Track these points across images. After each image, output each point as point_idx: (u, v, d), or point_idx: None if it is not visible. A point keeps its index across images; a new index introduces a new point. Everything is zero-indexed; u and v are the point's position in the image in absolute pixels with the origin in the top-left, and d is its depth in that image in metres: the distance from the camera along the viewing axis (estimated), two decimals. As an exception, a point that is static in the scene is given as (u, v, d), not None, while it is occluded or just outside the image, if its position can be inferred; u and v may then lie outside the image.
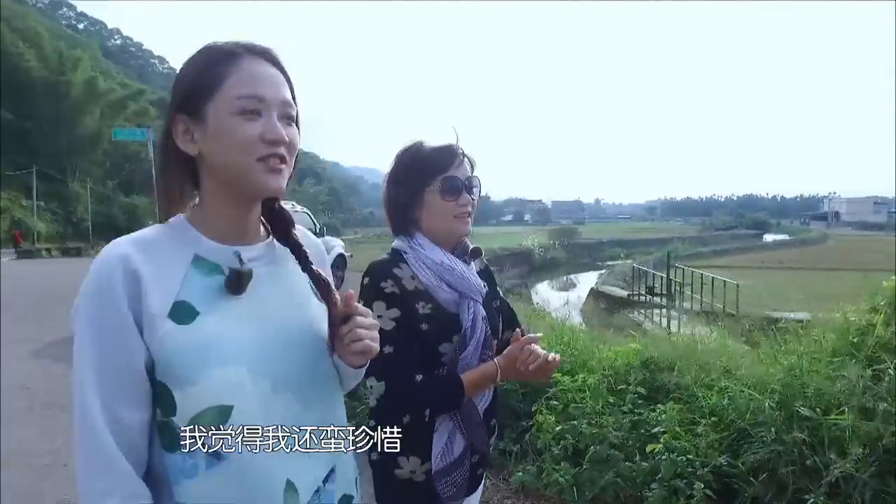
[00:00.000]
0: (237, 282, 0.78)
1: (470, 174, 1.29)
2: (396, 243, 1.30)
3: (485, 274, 1.38)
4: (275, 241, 0.88)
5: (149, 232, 0.80)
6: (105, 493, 0.70)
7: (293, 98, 0.82)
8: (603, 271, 29.95)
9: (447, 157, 1.25)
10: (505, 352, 1.23)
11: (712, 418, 2.57)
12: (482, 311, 1.27)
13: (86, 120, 32.79)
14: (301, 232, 0.91)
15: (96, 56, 43.58)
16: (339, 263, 9.73)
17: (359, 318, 0.81)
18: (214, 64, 0.77)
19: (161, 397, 0.74)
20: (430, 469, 1.21)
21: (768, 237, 67.44)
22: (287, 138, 0.79)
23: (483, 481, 1.37)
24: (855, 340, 2.81)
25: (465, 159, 1.29)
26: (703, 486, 2.24)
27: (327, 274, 0.89)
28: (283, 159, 0.79)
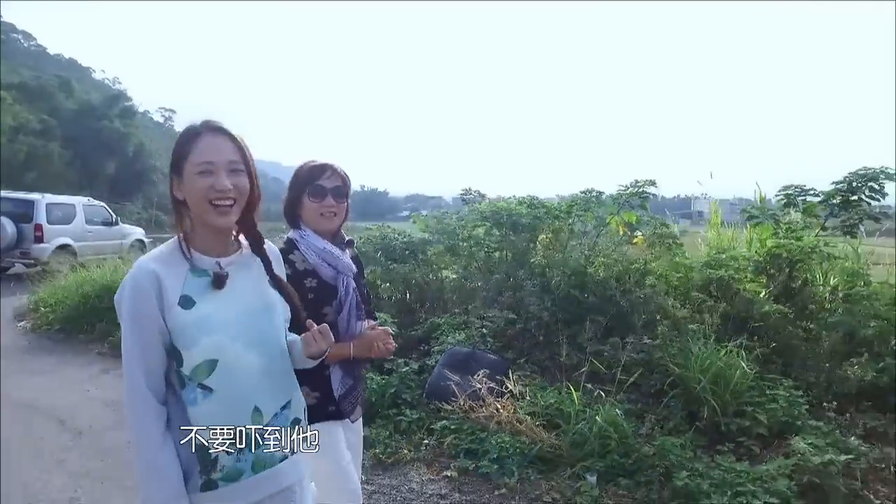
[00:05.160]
0: (218, 281, 1.21)
1: (340, 185, 1.73)
2: (290, 234, 1.76)
3: (355, 259, 1.87)
4: (244, 251, 1.31)
5: (164, 249, 1.23)
6: (146, 415, 1.15)
7: (244, 154, 1.22)
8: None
9: (318, 170, 1.72)
10: (363, 336, 1.71)
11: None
12: (353, 284, 1.75)
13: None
14: (268, 246, 1.35)
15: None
16: (139, 246, 11.93)
17: (320, 344, 1.31)
18: (186, 141, 1.20)
19: (174, 355, 1.18)
20: (318, 395, 1.69)
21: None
22: (230, 186, 1.19)
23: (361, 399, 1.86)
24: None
25: (338, 175, 1.73)
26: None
27: (281, 273, 1.39)
28: (232, 201, 1.20)
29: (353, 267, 1.78)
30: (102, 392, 4.44)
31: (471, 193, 5.62)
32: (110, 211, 11.61)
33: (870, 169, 4.96)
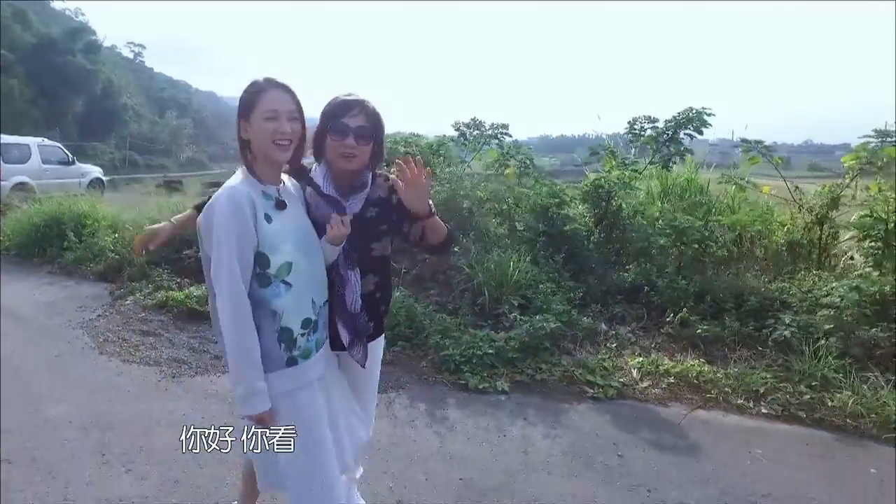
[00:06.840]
0: (281, 204, 1.57)
1: (365, 125, 1.67)
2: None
3: (380, 202, 1.78)
4: (286, 183, 1.66)
5: (240, 178, 1.55)
6: (244, 307, 1.47)
7: (299, 106, 1.56)
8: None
9: (344, 107, 1.68)
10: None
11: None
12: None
13: None
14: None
15: None
16: (97, 184, 12.81)
17: (340, 229, 1.64)
18: (254, 93, 1.52)
19: (261, 259, 1.51)
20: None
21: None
22: (290, 130, 1.53)
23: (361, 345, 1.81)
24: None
25: (366, 114, 1.68)
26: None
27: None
28: (289, 141, 1.54)
29: (351, 215, 1.71)
30: (45, 296, 5.51)
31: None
32: (66, 151, 12.44)
33: (693, 109, 5.95)
